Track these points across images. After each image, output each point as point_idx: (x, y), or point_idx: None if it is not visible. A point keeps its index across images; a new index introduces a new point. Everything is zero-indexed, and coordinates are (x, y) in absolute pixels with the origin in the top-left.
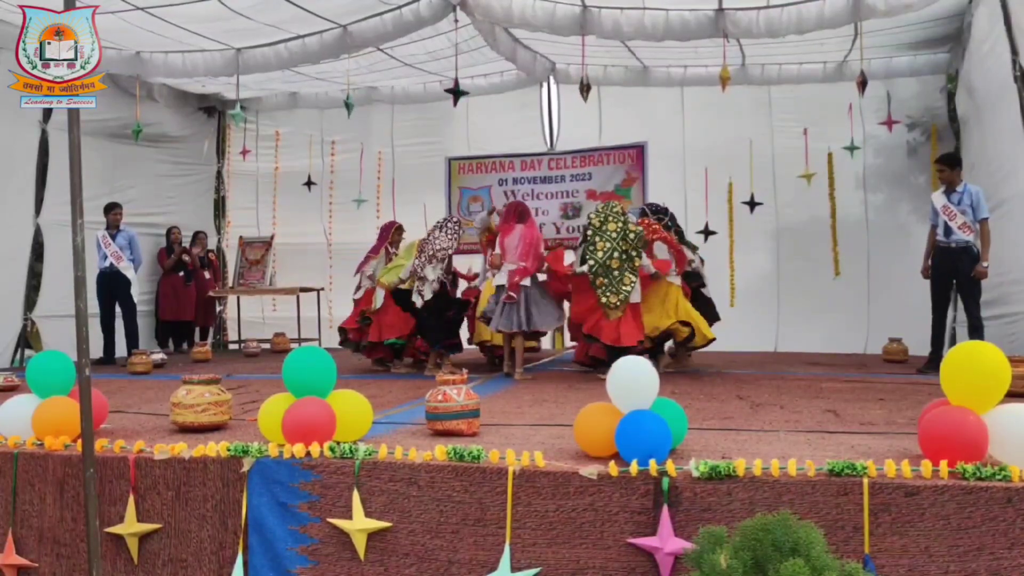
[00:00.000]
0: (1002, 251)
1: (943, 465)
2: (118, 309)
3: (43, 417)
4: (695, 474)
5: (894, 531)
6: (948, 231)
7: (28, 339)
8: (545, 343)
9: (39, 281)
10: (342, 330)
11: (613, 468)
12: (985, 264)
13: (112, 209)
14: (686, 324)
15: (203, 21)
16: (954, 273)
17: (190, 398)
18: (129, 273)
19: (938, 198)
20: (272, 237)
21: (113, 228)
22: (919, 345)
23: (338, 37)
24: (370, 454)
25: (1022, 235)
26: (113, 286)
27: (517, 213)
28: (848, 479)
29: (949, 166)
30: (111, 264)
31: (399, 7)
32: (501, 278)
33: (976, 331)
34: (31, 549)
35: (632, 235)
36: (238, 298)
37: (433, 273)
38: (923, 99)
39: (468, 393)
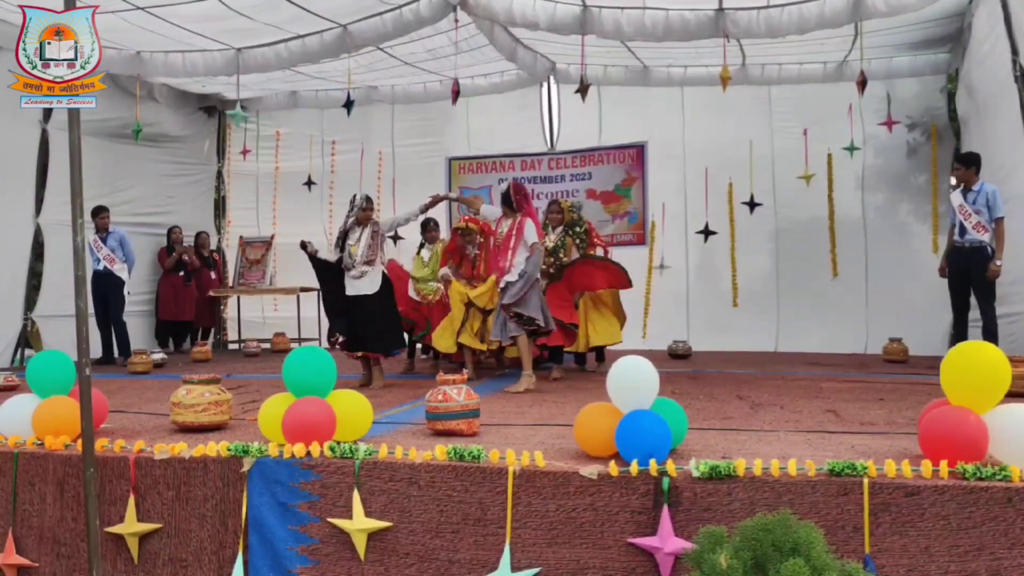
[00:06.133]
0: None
1: (943, 465)
2: None
3: (43, 417)
4: (695, 474)
5: (894, 531)
6: (963, 231)
7: (28, 339)
8: None
9: (39, 281)
10: None
11: (613, 468)
12: (999, 263)
13: (100, 213)
14: None
15: (203, 21)
16: (967, 273)
17: (190, 398)
18: (123, 274)
19: (955, 197)
20: (272, 237)
21: (103, 231)
22: (919, 345)
23: (338, 37)
24: (370, 454)
25: (1022, 235)
26: (106, 286)
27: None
28: (848, 479)
29: (966, 165)
30: (105, 266)
31: (399, 7)
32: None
33: (989, 333)
34: (31, 549)
35: None
36: (238, 298)
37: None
38: (923, 99)
39: (468, 393)
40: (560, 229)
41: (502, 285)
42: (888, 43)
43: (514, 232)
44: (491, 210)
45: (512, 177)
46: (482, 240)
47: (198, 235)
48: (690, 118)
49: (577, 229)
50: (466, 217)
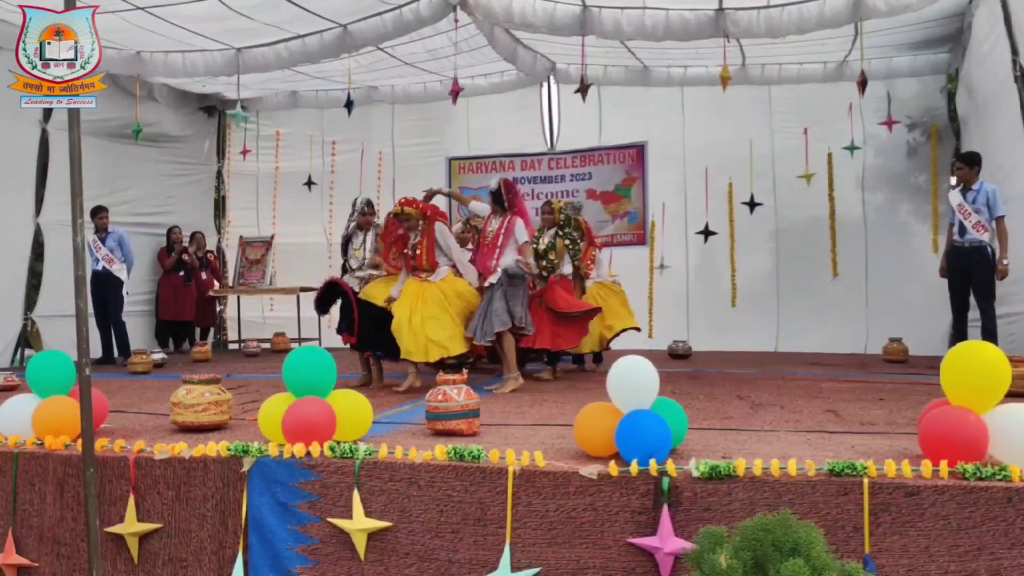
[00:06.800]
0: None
1: (943, 465)
2: None
3: (43, 417)
4: (695, 474)
5: (894, 531)
6: (963, 230)
7: (28, 339)
8: None
9: (39, 281)
10: None
11: (613, 468)
12: (1005, 262)
13: (99, 213)
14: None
15: (203, 21)
16: (967, 273)
17: (190, 398)
18: (122, 275)
19: (954, 196)
20: (272, 237)
21: (101, 231)
22: (919, 345)
23: (338, 37)
24: (370, 454)
25: (1022, 236)
26: (105, 286)
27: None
28: (848, 479)
29: (968, 164)
30: (104, 266)
31: (399, 7)
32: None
33: (989, 333)
34: (31, 549)
35: None
36: (238, 298)
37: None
38: (923, 99)
39: (468, 393)
40: (552, 231)
41: (486, 285)
42: (888, 43)
43: (503, 231)
44: (481, 206)
45: (512, 177)
46: (424, 227)
47: (193, 235)
48: (690, 118)
49: (567, 230)
50: (402, 200)
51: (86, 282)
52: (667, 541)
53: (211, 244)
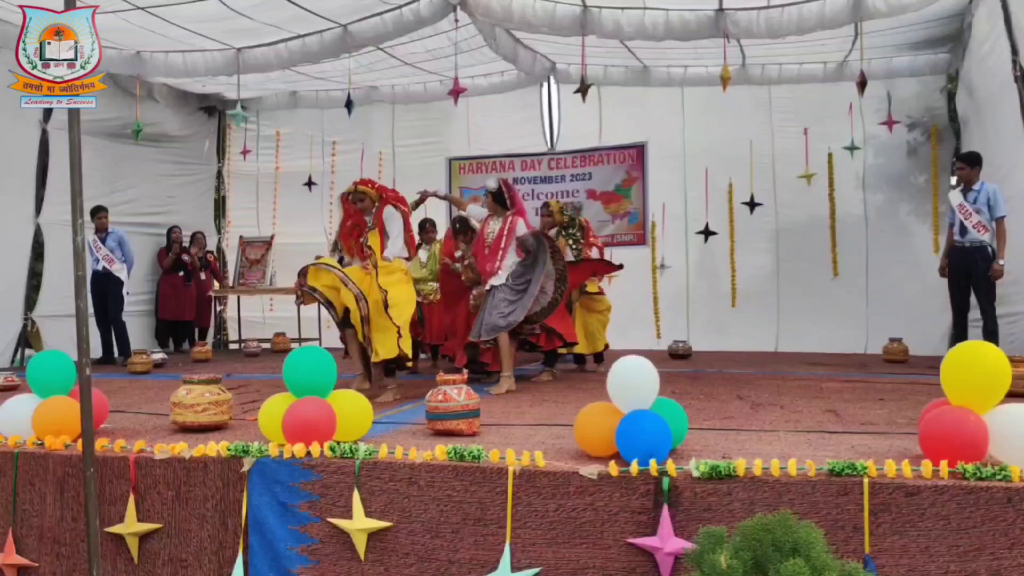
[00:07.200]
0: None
1: (943, 465)
2: None
3: (43, 417)
4: (695, 474)
5: (894, 531)
6: (963, 230)
7: (28, 339)
8: None
9: (39, 281)
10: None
11: (613, 468)
12: (1001, 262)
13: (98, 213)
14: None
15: (203, 21)
16: (968, 273)
17: (190, 398)
18: (122, 275)
19: (955, 196)
20: (272, 237)
21: (101, 232)
22: (919, 345)
23: (338, 37)
24: (370, 454)
25: (1022, 235)
26: (105, 286)
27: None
28: (848, 479)
29: (969, 164)
30: (104, 266)
31: (399, 7)
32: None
33: (990, 333)
34: (31, 549)
35: None
36: (238, 298)
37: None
38: (923, 99)
39: (468, 393)
40: (552, 231)
41: (487, 288)
42: (888, 43)
43: (505, 232)
44: (478, 210)
45: (512, 177)
46: (376, 210)
47: (194, 235)
48: (690, 118)
49: (571, 230)
50: (359, 180)
51: (86, 282)
52: (667, 541)
53: (211, 244)
